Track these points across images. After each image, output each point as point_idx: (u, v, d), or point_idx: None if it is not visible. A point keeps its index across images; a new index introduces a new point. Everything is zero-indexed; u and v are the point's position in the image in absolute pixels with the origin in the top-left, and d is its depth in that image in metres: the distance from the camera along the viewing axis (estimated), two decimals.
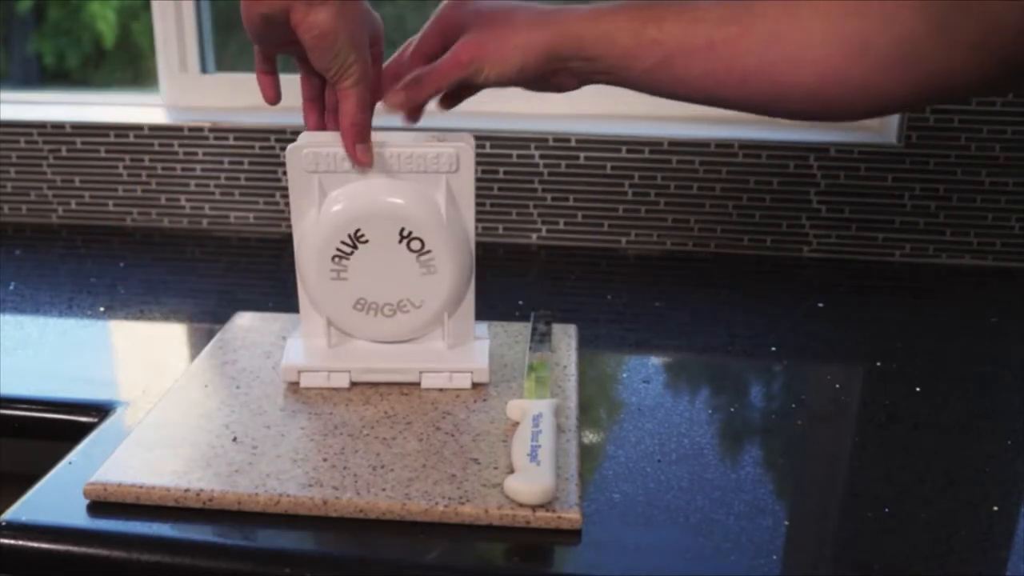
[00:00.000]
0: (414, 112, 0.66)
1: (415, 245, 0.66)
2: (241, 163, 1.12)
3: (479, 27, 0.62)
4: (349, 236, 0.66)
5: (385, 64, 0.66)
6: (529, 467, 0.56)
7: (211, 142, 1.12)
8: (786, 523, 0.56)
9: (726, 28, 0.57)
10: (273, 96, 0.67)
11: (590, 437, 0.65)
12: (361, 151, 0.63)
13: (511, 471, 0.57)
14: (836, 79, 0.55)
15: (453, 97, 0.67)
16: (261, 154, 1.11)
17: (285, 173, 1.11)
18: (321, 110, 0.67)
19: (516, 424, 0.62)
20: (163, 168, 1.14)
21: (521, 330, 0.78)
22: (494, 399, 0.67)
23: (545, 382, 0.68)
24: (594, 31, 0.59)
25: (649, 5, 0.59)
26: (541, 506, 0.54)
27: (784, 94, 0.57)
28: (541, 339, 0.75)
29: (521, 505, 0.54)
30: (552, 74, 0.62)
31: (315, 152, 0.65)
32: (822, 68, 0.55)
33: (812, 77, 0.56)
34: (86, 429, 0.66)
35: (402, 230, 0.65)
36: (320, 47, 0.59)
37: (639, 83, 0.60)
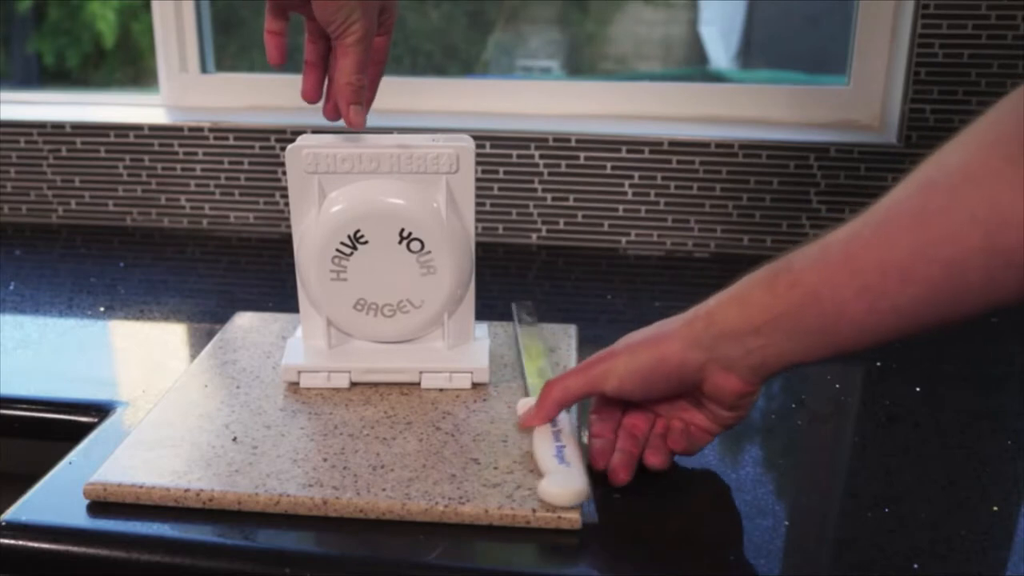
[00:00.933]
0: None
1: (415, 246, 0.66)
2: (241, 163, 1.12)
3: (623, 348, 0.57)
4: (349, 236, 0.66)
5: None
6: (559, 469, 0.55)
7: (211, 142, 1.12)
8: (786, 523, 0.56)
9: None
10: (277, 57, 0.65)
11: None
12: (355, 112, 0.63)
13: (537, 474, 0.56)
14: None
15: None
16: (261, 154, 1.11)
17: (285, 173, 1.12)
18: (321, 77, 0.66)
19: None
20: (163, 168, 1.14)
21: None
22: (494, 399, 0.67)
23: (547, 373, 0.67)
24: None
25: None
26: (575, 507, 0.53)
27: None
28: (529, 328, 0.74)
29: (555, 508, 0.53)
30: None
31: (315, 152, 0.65)
32: None
33: None
34: (86, 429, 0.66)
35: (402, 230, 0.65)
36: (323, 3, 0.59)
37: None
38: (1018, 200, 0.44)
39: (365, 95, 0.63)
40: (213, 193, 1.14)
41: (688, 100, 1.16)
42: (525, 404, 0.63)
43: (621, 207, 1.07)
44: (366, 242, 0.66)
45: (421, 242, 0.66)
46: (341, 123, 0.65)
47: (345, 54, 0.61)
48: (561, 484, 0.54)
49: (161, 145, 1.13)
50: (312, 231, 0.66)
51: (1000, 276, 0.47)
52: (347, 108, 0.63)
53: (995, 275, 0.47)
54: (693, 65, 1.53)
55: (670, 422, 0.60)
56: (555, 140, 1.06)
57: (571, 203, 1.08)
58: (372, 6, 0.61)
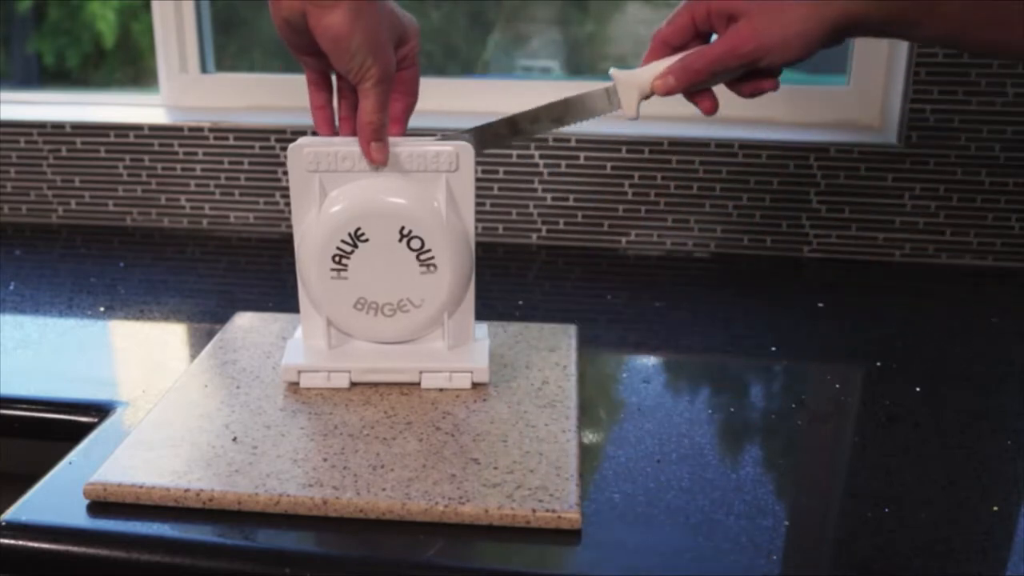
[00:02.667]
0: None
1: (415, 244, 0.66)
2: (241, 163, 1.12)
3: (750, 12, 0.60)
4: (349, 235, 0.66)
5: None
6: None
7: (211, 142, 1.12)
8: (786, 523, 0.56)
9: None
10: (327, 130, 0.67)
11: (590, 437, 0.65)
12: (376, 149, 0.64)
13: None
14: None
15: (740, 81, 0.65)
16: (261, 154, 1.11)
17: (285, 173, 1.12)
18: (331, 117, 0.67)
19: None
20: (163, 168, 1.14)
21: (521, 330, 0.78)
22: (494, 399, 0.67)
23: None
24: (880, 10, 0.58)
25: None
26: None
27: None
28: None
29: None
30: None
31: (316, 151, 0.65)
32: None
33: None
34: (86, 429, 0.66)
35: (402, 229, 0.66)
36: (335, 50, 0.59)
37: (932, 42, 0.60)
38: None
39: (386, 132, 0.64)
40: (213, 193, 1.14)
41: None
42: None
43: (621, 207, 1.07)
44: (367, 240, 0.66)
45: (421, 240, 0.66)
46: None
47: (366, 96, 0.62)
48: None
49: (161, 145, 1.13)
50: (313, 229, 0.66)
51: None
52: (367, 145, 0.64)
53: None
54: None
55: None
56: (555, 140, 1.06)
57: (571, 203, 1.08)
58: (385, 46, 0.61)
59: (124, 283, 0.97)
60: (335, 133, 0.67)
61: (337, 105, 0.67)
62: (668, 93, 0.64)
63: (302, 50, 0.63)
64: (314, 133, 0.68)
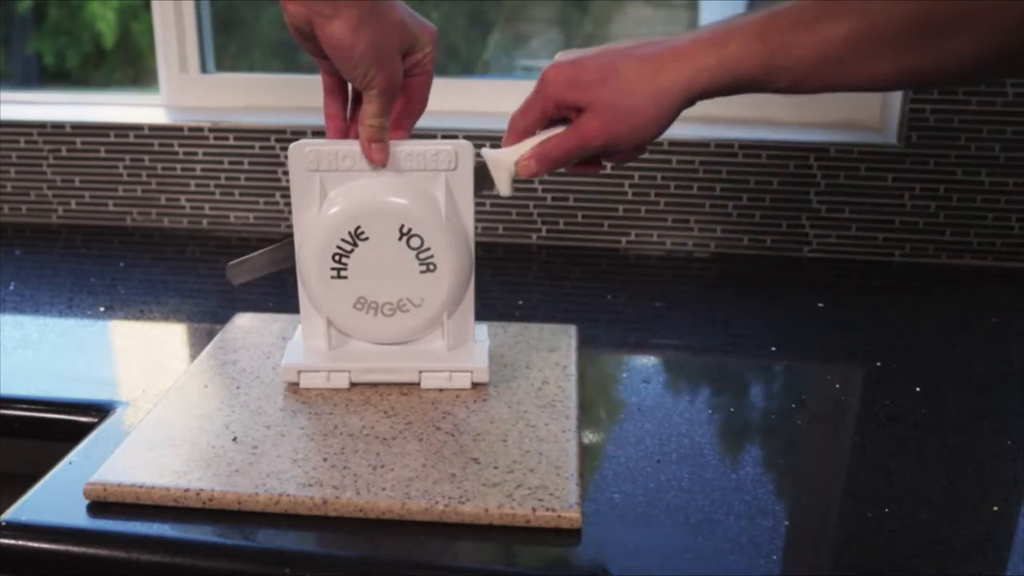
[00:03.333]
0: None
1: (415, 242, 0.66)
2: (241, 163, 1.12)
3: (596, 104, 0.60)
4: (350, 233, 0.66)
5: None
6: None
7: (211, 142, 1.12)
8: (786, 523, 0.56)
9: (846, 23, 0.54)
10: (338, 137, 0.67)
11: (590, 437, 0.65)
12: (376, 149, 0.64)
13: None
14: None
15: (587, 164, 0.66)
16: (261, 154, 1.11)
17: (285, 173, 1.12)
18: (342, 127, 0.67)
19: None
20: (163, 168, 1.14)
21: (521, 330, 0.78)
22: (494, 399, 0.67)
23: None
24: (722, 71, 0.57)
25: (767, 22, 0.56)
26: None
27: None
28: None
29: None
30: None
31: (317, 150, 0.65)
32: None
33: None
34: (86, 429, 0.66)
35: (402, 227, 0.66)
36: (339, 59, 0.60)
37: (787, 91, 0.58)
38: None
39: (386, 134, 0.64)
40: (213, 193, 1.14)
41: None
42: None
43: (621, 207, 1.07)
44: (366, 239, 0.66)
45: (421, 238, 0.66)
46: None
47: (369, 101, 0.62)
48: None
49: (161, 145, 1.13)
50: (313, 228, 0.66)
51: None
52: (367, 145, 0.64)
53: None
54: None
55: None
56: None
57: (571, 203, 1.08)
58: (390, 56, 0.61)
59: (124, 283, 0.97)
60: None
61: (350, 109, 0.67)
62: (532, 176, 0.65)
63: (315, 53, 0.63)
64: (315, 135, 0.68)
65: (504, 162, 0.65)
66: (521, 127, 0.64)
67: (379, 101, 0.62)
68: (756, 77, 0.57)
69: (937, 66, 0.54)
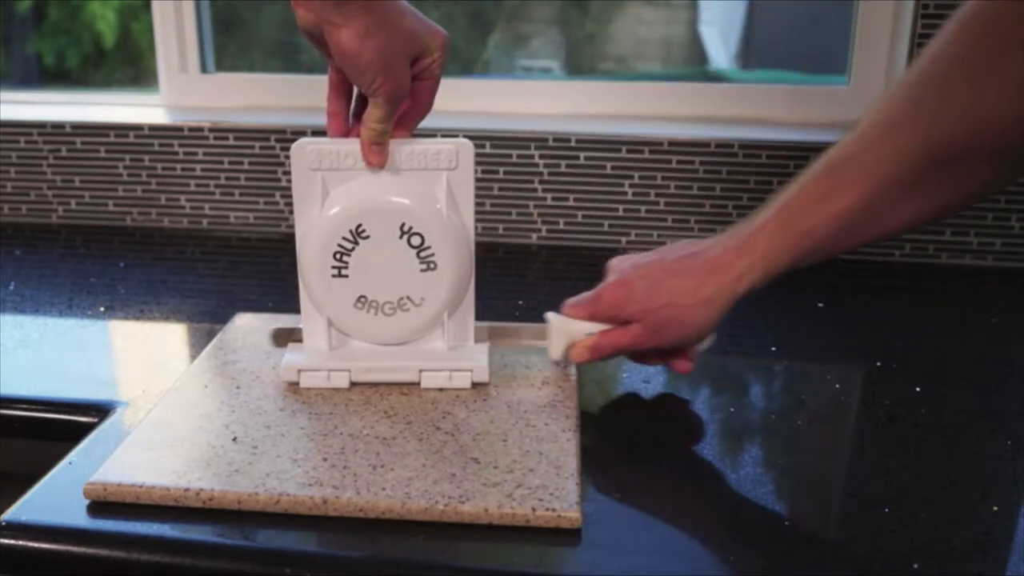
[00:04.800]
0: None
1: (415, 241, 0.66)
2: (241, 163, 1.12)
3: (645, 319, 0.66)
4: (351, 232, 0.66)
5: None
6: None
7: (211, 142, 1.12)
8: (786, 523, 0.56)
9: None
10: (339, 135, 0.67)
11: (590, 437, 0.65)
12: (375, 151, 0.65)
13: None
14: None
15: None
16: (261, 154, 1.11)
17: (285, 173, 1.12)
18: (344, 127, 0.67)
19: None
20: (163, 168, 1.14)
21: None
22: (494, 399, 0.67)
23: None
24: (757, 273, 0.64)
25: (783, 216, 0.63)
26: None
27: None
28: None
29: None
30: None
31: (319, 149, 0.65)
32: None
33: None
34: (86, 429, 0.66)
35: (402, 225, 0.66)
36: (346, 66, 0.61)
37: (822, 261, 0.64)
38: None
39: (387, 138, 0.65)
40: (213, 193, 1.14)
41: (688, 100, 1.16)
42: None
43: (621, 207, 1.07)
44: (367, 237, 0.66)
45: (421, 237, 0.66)
46: None
47: (374, 106, 0.63)
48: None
49: (161, 145, 1.13)
50: (315, 226, 0.66)
51: None
52: (367, 147, 0.65)
53: None
54: (693, 65, 1.53)
55: None
56: (555, 140, 1.06)
57: (571, 203, 1.08)
58: (397, 65, 0.61)
59: (124, 283, 0.97)
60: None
61: (356, 106, 0.67)
62: (579, 363, 0.70)
63: (325, 53, 0.63)
64: (314, 134, 0.68)
65: (568, 330, 0.69)
66: (572, 315, 0.69)
67: (384, 107, 0.62)
68: (789, 264, 0.64)
69: (956, 193, 0.59)
